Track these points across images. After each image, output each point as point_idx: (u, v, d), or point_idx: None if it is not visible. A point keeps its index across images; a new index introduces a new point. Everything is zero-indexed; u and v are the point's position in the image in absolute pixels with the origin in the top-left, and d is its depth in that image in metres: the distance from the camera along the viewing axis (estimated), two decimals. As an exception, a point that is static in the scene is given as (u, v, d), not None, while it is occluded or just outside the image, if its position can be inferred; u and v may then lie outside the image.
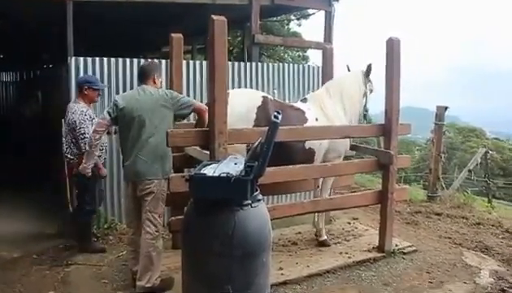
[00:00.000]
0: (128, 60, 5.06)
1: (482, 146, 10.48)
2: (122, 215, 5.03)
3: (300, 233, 4.89)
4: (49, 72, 8.12)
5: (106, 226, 4.91)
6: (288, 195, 5.80)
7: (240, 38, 12.05)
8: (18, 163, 7.99)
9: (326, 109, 4.41)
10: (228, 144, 3.37)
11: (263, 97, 4.04)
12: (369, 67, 4.68)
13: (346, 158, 4.64)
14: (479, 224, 5.74)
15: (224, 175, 2.66)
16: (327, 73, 4.98)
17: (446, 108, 7.18)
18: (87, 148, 3.67)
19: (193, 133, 3.48)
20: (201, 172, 2.78)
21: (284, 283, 3.68)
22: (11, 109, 11.85)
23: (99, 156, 4.29)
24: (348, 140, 4.47)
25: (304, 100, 4.55)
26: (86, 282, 3.78)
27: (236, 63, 5.76)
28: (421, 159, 17.15)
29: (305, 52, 17.12)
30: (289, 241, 4.63)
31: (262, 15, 7.09)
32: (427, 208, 6.48)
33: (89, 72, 4.79)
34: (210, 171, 2.77)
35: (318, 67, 5.96)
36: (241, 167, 2.74)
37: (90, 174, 3.76)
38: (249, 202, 2.71)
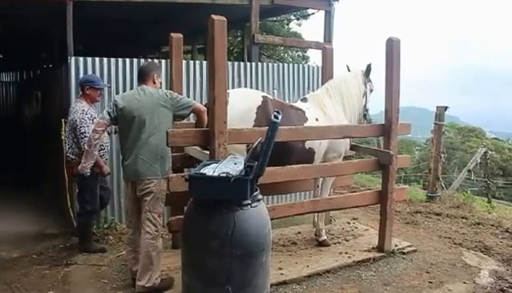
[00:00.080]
0: (127, 60, 5.07)
1: (482, 146, 10.46)
2: (122, 215, 5.03)
3: (300, 233, 4.89)
4: (49, 72, 8.10)
5: (105, 226, 4.91)
6: (288, 195, 5.80)
7: (240, 38, 12.06)
8: (18, 163, 8.00)
9: (326, 109, 4.41)
10: (228, 144, 3.37)
11: (263, 97, 4.04)
12: (369, 67, 4.69)
13: (346, 158, 4.65)
14: (478, 224, 5.75)
15: (224, 175, 2.67)
16: (326, 73, 4.98)
17: (446, 108, 7.19)
18: (86, 148, 3.67)
19: (192, 132, 3.48)
20: (201, 171, 2.79)
21: (284, 283, 3.68)
22: (11, 109, 11.86)
23: (101, 156, 4.30)
24: (348, 140, 4.47)
25: (304, 100, 4.56)
26: (86, 281, 3.77)
27: (236, 63, 5.76)
28: (421, 159, 17.17)
29: (305, 52, 17.13)
30: (289, 241, 4.63)
31: (262, 15, 7.09)
32: (427, 208, 6.49)
33: (89, 72, 4.80)
34: (209, 171, 2.77)
35: (318, 67, 5.96)
36: (241, 167, 2.74)
37: (89, 174, 3.75)
38: (249, 202, 2.71)
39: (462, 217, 6.02)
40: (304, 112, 4.25)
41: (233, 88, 5.35)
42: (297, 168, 3.88)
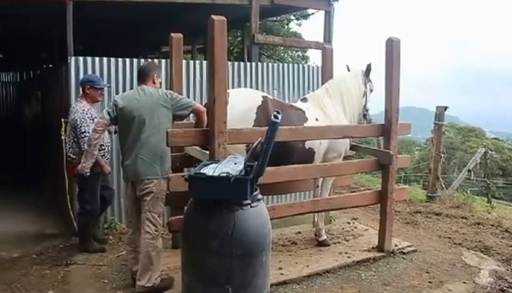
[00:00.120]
0: (127, 60, 5.07)
1: (481, 146, 10.47)
2: (122, 215, 5.03)
3: (299, 232, 4.89)
4: (49, 72, 8.10)
5: (105, 226, 4.91)
6: (288, 195, 5.80)
7: (240, 38, 12.06)
8: (18, 163, 8.00)
9: (326, 109, 4.41)
10: (228, 144, 3.37)
11: (263, 97, 4.04)
12: (369, 67, 4.69)
13: (346, 158, 4.65)
14: (478, 224, 5.75)
15: (224, 175, 2.67)
16: (326, 73, 4.98)
17: (446, 108, 7.19)
18: (86, 147, 3.67)
19: (192, 132, 3.48)
20: (201, 171, 2.79)
21: (284, 283, 3.69)
22: (11, 109, 11.87)
23: (102, 156, 4.30)
24: (348, 140, 4.48)
25: (304, 100, 4.56)
26: (86, 281, 3.77)
27: (236, 63, 5.76)
28: (421, 159, 17.17)
29: (305, 52, 17.14)
30: (289, 241, 4.63)
31: (262, 15, 7.09)
32: (427, 208, 6.49)
33: (89, 72, 4.80)
34: (209, 171, 2.77)
35: (318, 67, 5.96)
36: (241, 167, 2.74)
37: (89, 174, 3.75)
38: (249, 202, 2.72)
39: (462, 217, 6.02)
40: (304, 112, 4.25)
41: (233, 88, 5.35)
42: (297, 168, 3.88)
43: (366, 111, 4.76)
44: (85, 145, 3.74)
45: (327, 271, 3.93)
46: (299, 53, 17.27)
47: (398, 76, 4.21)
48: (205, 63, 5.45)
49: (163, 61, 5.16)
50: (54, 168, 5.61)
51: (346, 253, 4.30)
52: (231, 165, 2.86)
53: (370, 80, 4.74)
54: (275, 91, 5.88)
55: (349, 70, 4.83)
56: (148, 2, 6.15)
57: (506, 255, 4.58)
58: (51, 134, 5.52)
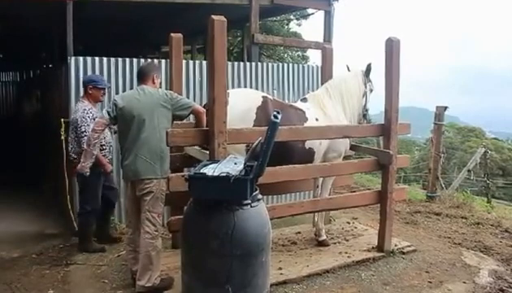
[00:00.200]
0: (127, 60, 5.07)
1: (481, 146, 10.47)
2: (122, 215, 5.03)
3: (299, 232, 4.89)
4: (48, 72, 8.11)
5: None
6: (288, 195, 5.81)
7: (239, 38, 12.06)
8: (18, 163, 8.01)
9: (326, 109, 4.42)
10: (228, 144, 3.37)
11: (263, 97, 4.05)
12: (369, 67, 4.69)
13: (345, 158, 4.65)
14: (478, 223, 5.75)
15: (224, 175, 2.67)
16: (326, 73, 4.98)
17: (446, 108, 7.19)
18: (85, 147, 3.67)
19: (192, 132, 3.48)
20: (201, 171, 2.79)
21: (284, 283, 3.69)
22: (11, 109, 11.87)
23: (104, 155, 4.30)
24: (348, 139, 4.48)
25: (304, 100, 4.56)
26: (86, 281, 3.78)
27: (236, 63, 5.76)
28: (420, 159, 17.17)
29: (305, 52, 17.14)
30: (289, 240, 4.63)
31: (262, 15, 7.09)
32: (427, 208, 6.49)
33: (89, 72, 4.80)
34: (209, 171, 2.78)
35: (318, 67, 5.96)
36: (241, 167, 2.74)
37: (88, 173, 3.75)
38: (249, 201, 2.72)
39: (462, 217, 6.03)
40: (304, 112, 4.25)
41: (233, 88, 5.35)
42: (297, 168, 3.89)
43: (366, 111, 4.76)
44: (85, 144, 3.74)
45: (327, 271, 3.93)
46: (299, 53, 17.27)
47: (398, 76, 4.21)
48: (204, 63, 5.45)
49: (163, 61, 5.16)
50: (53, 168, 5.61)
51: (346, 253, 4.31)
52: (231, 165, 2.86)
53: (370, 80, 4.74)
54: (275, 91, 5.88)
55: (349, 70, 4.83)
56: (148, 2, 6.15)
57: (506, 255, 4.59)
58: (51, 134, 5.53)
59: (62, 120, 4.64)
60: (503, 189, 15.92)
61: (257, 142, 2.85)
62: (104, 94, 4.47)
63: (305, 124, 4.13)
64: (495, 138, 29.05)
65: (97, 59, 4.90)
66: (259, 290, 2.79)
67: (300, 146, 4.10)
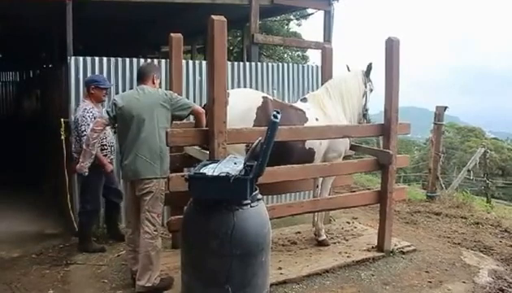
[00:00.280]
0: (127, 60, 5.07)
1: (481, 146, 10.48)
2: (122, 215, 5.02)
3: (299, 232, 4.89)
4: (48, 72, 8.11)
5: (105, 226, 4.91)
6: (288, 195, 5.81)
7: (239, 38, 12.06)
8: (18, 163, 8.01)
9: (326, 109, 4.42)
10: (228, 144, 3.37)
11: (263, 97, 4.05)
12: (369, 67, 4.68)
13: (345, 157, 4.65)
14: (477, 223, 5.76)
15: (224, 175, 2.67)
16: (326, 73, 4.98)
17: (445, 108, 7.20)
18: (84, 147, 3.66)
19: (192, 132, 3.49)
20: (201, 171, 2.79)
21: (284, 282, 3.69)
22: (11, 108, 11.86)
23: (105, 155, 4.30)
24: (347, 139, 4.48)
25: (304, 100, 4.56)
26: (86, 281, 3.78)
27: (236, 63, 5.76)
28: (420, 159, 17.18)
29: (305, 52, 17.14)
30: (289, 240, 4.63)
31: (262, 15, 7.10)
32: (427, 208, 6.50)
33: (89, 72, 4.80)
34: (209, 170, 2.78)
35: (318, 67, 5.96)
36: (241, 166, 2.75)
37: (87, 173, 3.74)
38: (249, 201, 2.72)
39: (462, 217, 6.03)
40: (304, 112, 4.25)
41: (233, 88, 5.35)
42: (297, 168, 3.89)
43: (366, 110, 4.76)
44: (84, 144, 3.74)
45: (327, 271, 3.94)
46: (299, 53, 17.27)
47: (398, 76, 4.22)
48: (204, 63, 5.45)
49: (163, 61, 5.16)
50: (53, 168, 5.61)
51: (346, 253, 4.31)
52: (230, 165, 2.86)
53: (370, 80, 4.74)
54: (275, 91, 5.88)
55: (349, 70, 4.83)
56: (147, 2, 6.15)
57: (505, 254, 4.59)
58: (51, 134, 5.53)
59: (62, 119, 4.64)
60: (503, 189, 15.93)
61: (257, 141, 2.85)
62: (106, 93, 4.47)
63: (306, 125, 4.13)
64: (495, 138, 29.07)
65: (97, 58, 4.90)
66: (259, 289, 2.79)
67: (300, 147, 4.10)
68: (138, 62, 5.10)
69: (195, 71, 5.39)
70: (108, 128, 4.09)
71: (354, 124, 4.61)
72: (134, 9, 6.55)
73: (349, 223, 5.35)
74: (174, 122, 3.65)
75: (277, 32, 13.79)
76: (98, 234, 4.72)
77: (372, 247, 4.41)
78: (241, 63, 5.82)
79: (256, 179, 2.75)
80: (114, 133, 4.18)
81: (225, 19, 3.29)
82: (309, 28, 14.79)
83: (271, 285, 3.34)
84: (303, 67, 6.48)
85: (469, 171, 9.29)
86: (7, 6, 5.75)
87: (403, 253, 4.41)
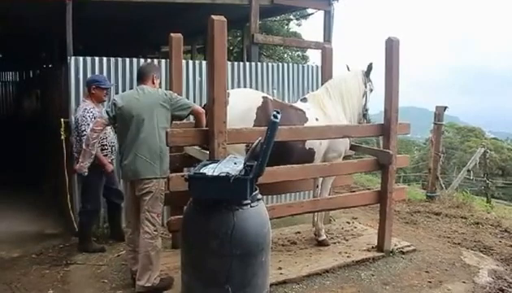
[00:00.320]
0: (127, 60, 5.07)
1: (481, 146, 10.48)
2: (122, 214, 5.03)
3: (299, 232, 4.90)
4: (48, 72, 8.11)
5: (105, 226, 4.91)
6: (288, 195, 5.81)
7: (239, 38, 12.06)
8: (18, 163, 8.01)
9: (326, 109, 4.42)
10: (228, 144, 3.38)
11: (264, 97, 4.05)
12: (370, 67, 4.68)
13: (345, 157, 4.65)
14: (477, 223, 5.76)
15: (224, 175, 2.68)
16: (326, 73, 4.98)
17: (445, 108, 7.20)
18: (84, 147, 3.65)
19: (192, 132, 3.49)
20: (201, 171, 2.80)
21: (284, 282, 3.69)
22: (11, 108, 11.87)
23: (105, 155, 4.30)
24: (347, 139, 4.48)
25: (304, 100, 4.56)
26: (86, 281, 3.78)
27: (236, 63, 5.76)
28: (420, 159, 17.19)
29: (305, 52, 17.14)
30: (288, 240, 4.63)
31: (262, 15, 7.10)
32: (426, 208, 6.50)
33: (89, 72, 4.80)
34: (209, 170, 2.78)
35: (318, 67, 5.97)
36: (241, 166, 2.75)
37: (87, 173, 3.74)
38: (249, 201, 2.72)
39: (462, 217, 6.03)
40: (304, 113, 4.25)
41: (233, 88, 5.35)
42: (297, 168, 3.89)
43: (366, 110, 4.76)
44: (83, 144, 3.73)
45: (327, 271, 3.94)
46: (299, 53, 17.28)
47: (398, 76, 4.22)
48: (204, 63, 5.45)
49: (163, 61, 5.16)
50: (53, 168, 5.61)
51: (346, 253, 4.31)
52: (230, 165, 2.86)
53: (370, 80, 4.74)
54: (275, 91, 5.88)
55: (349, 70, 4.83)
56: (148, 2, 6.15)
57: (505, 254, 4.60)
58: (51, 134, 5.53)
59: (62, 119, 4.64)
60: (502, 189, 15.93)
61: (256, 141, 2.85)
62: (107, 94, 4.47)
63: (306, 125, 4.13)
64: (494, 138, 29.08)
65: (96, 58, 4.90)
66: (259, 289, 2.79)
67: (300, 147, 4.11)
68: (138, 62, 5.10)
69: (195, 71, 5.39)
70: (109, 128, 4.10)
71: (354, 124, 4.61)
72: (134, 9, 6.55)
73: (349, 223, 5.36)
74: (174, 122, 3.65)
75: (277, 32, 13.79)
76: (98, 234, 4.73)
77: (372, 247, 4.41)
78: (241, 63, 5.82)
79: (256, 179, 2.75)
80: (116, 132, 4.18)
81: (225, 19, 3.29)
82: (309, 28, 14.80)
83: (271, 285, 3.34)
84: (303, 67, 6.48)
85: (469, 171, 9.30)
86: (7, 6, 5.75)
87: (403, 253, 4.41)
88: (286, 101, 5.54)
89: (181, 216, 3.10)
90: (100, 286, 3.66)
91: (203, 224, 2.73)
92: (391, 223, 4.42)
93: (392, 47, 4.14)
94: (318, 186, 4.62)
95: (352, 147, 4.71)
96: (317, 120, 4.28)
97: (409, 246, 4.57)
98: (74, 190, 4.81)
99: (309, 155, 4.20)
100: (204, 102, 4.32)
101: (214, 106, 3.30)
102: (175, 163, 3.98)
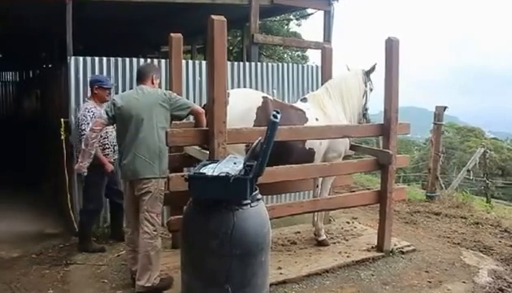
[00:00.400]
0: (127, 60, 5.07)
1: (481, 146, 10.49)
2: (123, 214, 5.03)
3: (299, 232, 4.90)
4: (48, 72, 8.11)
5: (105, 226, 4.91)
6: (288, 195, 5.81)
7: (239, 38, 12.06)
8: (18, 162, 8.01)
9: (326, 109, 4.42)
10: (227, 144, 3.38)
11: (264, 97, 4.05)
12: (373, 67, 4.64)
13: (345, 157, 4.65)
14: (477, 223, 5.76)
15: (223, 174, 2.68)
16: (326, 73, 4.99)
17: (445, 108, 7.20)
18: (83, 146, 3.63)
19: (192, 132, 3.49)
20: (201, 171, 2.80)
21: (283, 282, 3.69)
22: (11, 108, 11.87)
23: (107, 154, 4.30)
24: (347, 139, 4.48)
25: (304, 100, 4.56)
26: (85, 281, 3.78)
27: (236, 63, 5.76)
28: (420, 159, 17.19)
29: (305, 52, 17.14)
30: (288, 240, 4.63)
31: (262, 15, 7.09)
32: (426, 208, 6.50)
33: (89, 72, 4.80)
34: (209, 170, 2.78)
35: (318, 67, 5.97)
36: (240, 166, 2.75)
37: (86, 173, 3.73)
38: (249, 201, 2.72)
39: (461, 217, 6.03)
40: (304, 113, 4.25)
41: (233, 88, 5.36)
42: (297, 168, 3.89)
43: (366, 110, 4.76)
44: (82, 144, 3.72)
45: (327, 271, 3.94)
46: (298, 53, 17.28)
47: (397, 76, 4.22)
48: (204, 63, 5.45)
49: (163, 61, 5.16)
50: (53, 168, 5.61)
51: (345, 253, 4.31)
52: (230, 165, 2.86)
53: (370, 79, 4.73)
54: (275, 91, 5.88)
55: (349, 70, 4.83)
56: (148, 2, 6.15)
57: (505, 254, 4.60)
58: (51, 134, 5.53)
59: (62, 119, 4.64)
60: (502, 189, 15.93)
61: (256, 141, 2.85)
62: (109, 93, 4.46)
63: (306, 125, 4.12)
64: (494, 138, 29.08)
65: (96, 58, 4.90)
66: (259, 289, 2.79)
67: (300, 147, 4.11)
68: (138, 62, 5.10)
69: (195, 71, 5.39)
70: (111, 127, 4.10)
71: (354, 123, 4.61)
72: (134, 9, 6.54)
73: (348, 223, 5.36)
74: (174, 122, 3.65)
75: (277, 33, 13.78)
76: (98, 234, 4.73)
77: (372, 247, 4.41)
78: (241, 63, 5.82)
79: (256, 179, 2.75)
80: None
81: (225, 19, 3.29)
82: (309, 28, 14.80)
83: (271, 285, 3.34)
84: (303, 67, 6.48)
85: (469, 171, 9.30)
86: (7, 6, 5.75)
87: (403, 253, 4.41)
88: (286, 101, 5.54)
89: (181, 216, 3.10)
90: (100, 286, 3.66)
91: (203, 224, 2.73)
92: (391, 223, 4.42)
93: (392, 47, 4.14)
94: (318, 186, 4.62)
95: (352, 147, 4.71)
96: (317, 120, 4.28)
97: (408, 246, 4.57)
98: (74, 189, 4.81)
99: (309, 155, 4.20)
100: (204, 102, 4.32)
101: (214, 106, 3.30)
102: (175, 163, 3.98)
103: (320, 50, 5.37)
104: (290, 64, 6.26)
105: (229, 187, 2.62)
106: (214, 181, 2.70)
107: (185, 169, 4.11)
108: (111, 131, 4.30)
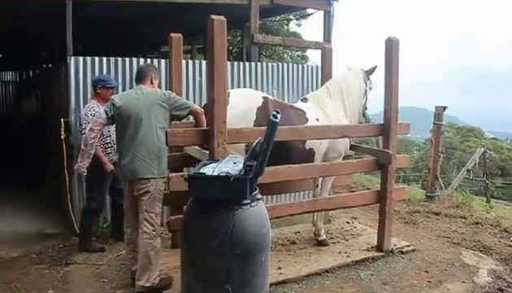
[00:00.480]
0: (127, 60, 5.07)
1: (480, 146, 10.49)
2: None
3: (299, 232, 4.90)
4: (48, 72, 8.11)
5: (105, 225, 4.92)
6: (287, 195, 5.81)
7: (239, 38, 12.06)
8: (18, 162, 8.01)
9: (326, 109, 4.42)
10: (227, 143, 3.38)
11: (264, 97, 4.05)
12: (373, 69, 4.64)
13: (345, 157, 4.66)
14: (477, 223, 5.76)
15: (223, 174, 2.68)
16: (325, 73, 4.99)
17: (445, 108, 7.20)
18: (82, 146, 3.61)
19: (192, 132, 3.49)
20: (201, 171, 2.80)
21: (283, 282, 3.69)
22: (11, 108, 11.88)
23: (109, 153, 4.30)
24: (347, 139, 4.48)
25: (304, 100, 4.56)
26: (85, 281, 3.78)
27: (236, 63, 5.77)
28: (420, 159, 17.18)
29: (305, 52, 17.14)
30: (288, 240, 4.64)
31: (262, 15, 7.09)
32: (426, 208, 6.50)
33: (89, 72, 4.81)
34: (209, 170, 2.78)
35: (318, 67, 5.97)
36: (240, 166, 2.75)
37: (85, 173, 3.73)
38: (248, 201, 2.72)
39: (461, 217, 6.04)
40: (304, 113, 4.25)
41: (233, 88, 5.36)
42: (297, 168, 3.89)
43: (365, 109, 4.76)
44: (82, 144, 3.72)
45: (327, 270, 3.94)
46: (298, 53, 17.27)
47: (397, 76, 4.22)
48: (204, 62, 5.45)
49: (163, 61, 5.16)
50: (53, 168, 5.62)
51: (345, 253, 4.31)
52: (230, 165, 2.87)
53: (369, 79, 4.73)
54: (275, 91, 5.89)
55: (349, 69, 4.83)
56: (148, 2, 6.15)
57: (505, 254, 4.60)
58: (51, 134, 5.53)
59: (62, 119, 4.65)
60: (502, 189, 15.94)
61: (256, 141, 2.85)
62: (113, 93, 4.45)
63: (306, 125, 4.13)
64: (494, 138, 29.09)
65: (96, 58, 4.90)
66: (258, 289, 2.79)
67: (300, 147, 4.11)
68: (138, 62, 5.10)
69: (195, 71, 5.39)
70: (112, 127, 4.09)
71: (354, 123, 4.62)
72: (134, 9, 6.55)
73: (348, 223, 5.36)
74: (174, 122, 3.65)
75: (277, 33, 13.78)
76: (98, 234, 4.73)
77: (372, 247, 4.42)
78: (241, 63, 5.82)
79: (256, 179, 2.75)
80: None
81: (225, 19, 3.29)
82: (309, 28, 14.80)
83: (271, 285, 3.34)
84: (303, 67, 6.49)
85: (468, 171, 9.29)
86: (7, 6, 5.75)
87: (402, 253, 4.41)
88: (286, 101, 5.54)
89: (181, 216, 3.10)
90: (100, 286, 3.67)
91: (203, 224, 2.73)
92: (390, 223, 4.42)
93: (391, 47, 4.15)
94: (317, 186, 4.63)
95: (352, 147, 4.71)
96: (317, 120, 4.28)
97: (408, 246, 4.57)
98: (74, 189, 4.81)
99: (309, 155, 4.20)
100: (204, 102, 4.32)
101: (214, 106, 3.30)
102: (175, 163, 3.99)
103: (320, 50, 5.37)
104: (290, 64, 6.26)
105: (229, 187, 2.62)
106: (214, 180, 2.70)
107: (185, 169, 4.11)
108: (113, 130, 4.29)
